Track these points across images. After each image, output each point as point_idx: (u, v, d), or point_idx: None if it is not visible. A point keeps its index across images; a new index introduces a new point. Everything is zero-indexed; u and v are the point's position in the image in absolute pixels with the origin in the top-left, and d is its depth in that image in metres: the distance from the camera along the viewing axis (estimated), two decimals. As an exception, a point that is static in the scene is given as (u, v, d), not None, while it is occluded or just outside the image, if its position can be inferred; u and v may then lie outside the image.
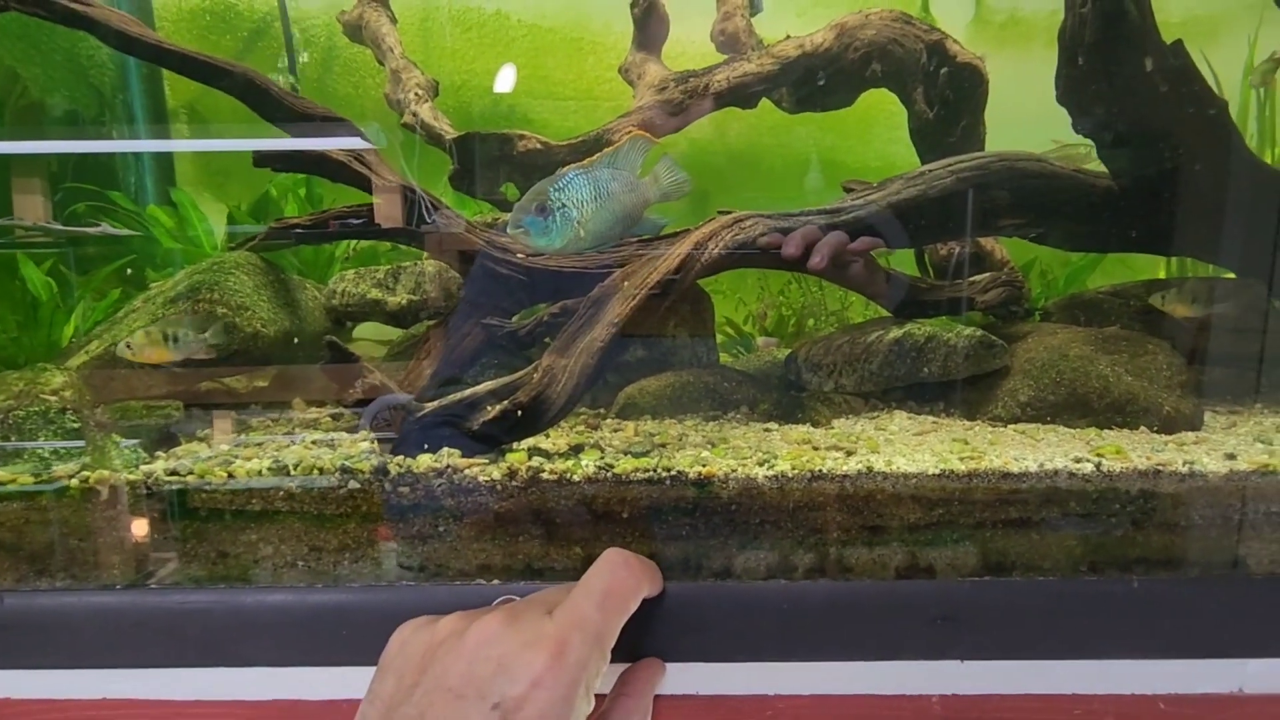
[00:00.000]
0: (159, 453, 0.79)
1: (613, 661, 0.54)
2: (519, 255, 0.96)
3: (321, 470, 0.71)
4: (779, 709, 0.65)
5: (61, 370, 0.78)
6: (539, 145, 1.09)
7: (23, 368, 0.92)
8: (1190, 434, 0.86)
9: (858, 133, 1.50)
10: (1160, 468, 0.71)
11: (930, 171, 0.97)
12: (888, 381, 0.99)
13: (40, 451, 0.73)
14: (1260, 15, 1.08)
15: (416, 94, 1.19)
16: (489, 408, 0.74)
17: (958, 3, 1.47)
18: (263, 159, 0.93)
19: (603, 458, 0.74)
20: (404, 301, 1.04)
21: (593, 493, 0.70)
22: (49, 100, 1.31)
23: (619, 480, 0.70)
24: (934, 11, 1.43)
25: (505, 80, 1.51)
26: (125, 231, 1.30)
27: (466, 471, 0.70)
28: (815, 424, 0.91)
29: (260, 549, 0.72)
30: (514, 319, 0.99)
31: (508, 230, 0.77)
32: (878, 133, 1.48)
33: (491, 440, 0.76)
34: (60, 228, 1.22)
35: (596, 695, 0.53)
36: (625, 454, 0.76)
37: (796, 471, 0.70)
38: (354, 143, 0.98)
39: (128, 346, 0.81)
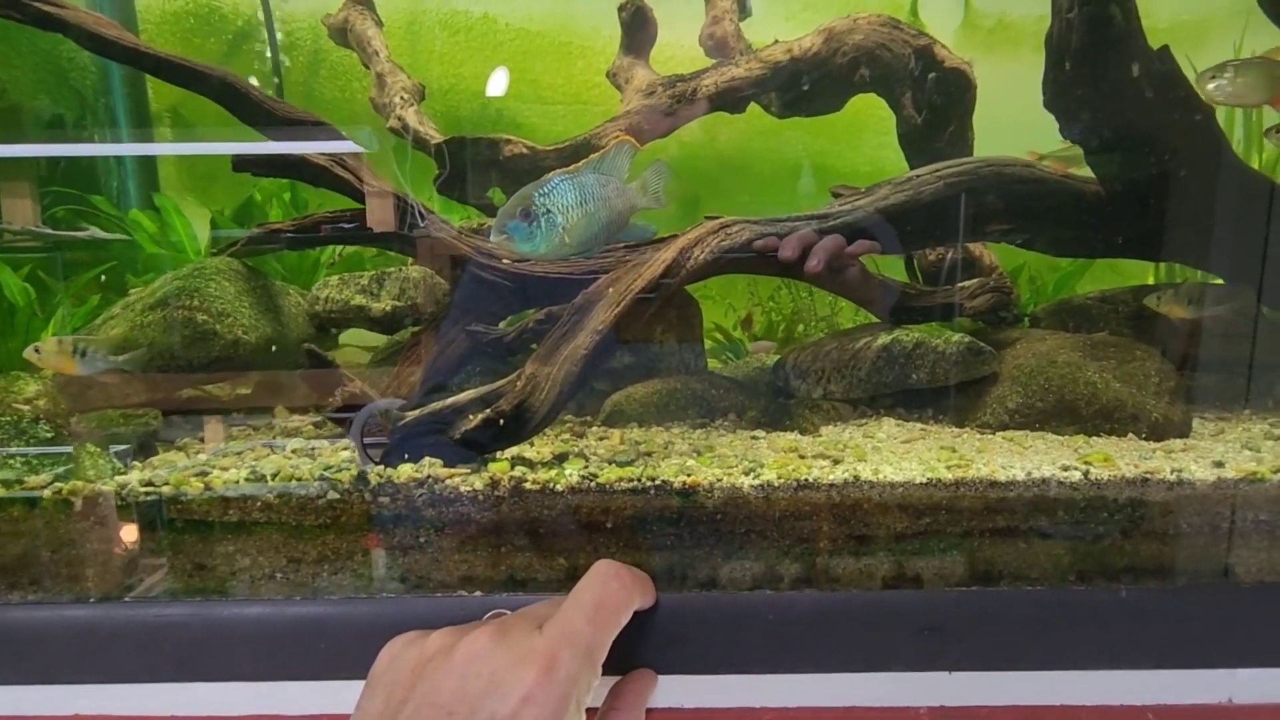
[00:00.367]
0: (135, 462, 0.77)
1: (603, 675, 0.54)
2: (505, 261, 0.95)
3: (300, 480, 0.70)
4: (765, 722, 0.64)
5: (36, 378, 0.77)
6: (525, 150, 1.08)
7: (-3, 376, 0.90)
8: (1178, 441, 0.86)
9: (847, 137, 1.50)
10: (1148, 476, 0.70)
11: (918, 177, 0.96)
12: (876, 388, 0.99)
13: (11, 462, 0.72)
14: (1245, 20, 1.08)
15: (402, 98, 1.18)
16: (471, 416, 0.73)
17: (946, 7, 1.47)
18: (241, 164, 0.92)
19: (586, 467, 0.73)
20: (388, 307, 1.03)
21: (576, 502, 0.69)
22: (30, 104, 1.29)
23: (603, 490, 0.69)
24: (923, 16, 1.43)
25: (497, 84, 1.50)
26: (115, 236, 1.29)
27: (448, 481, 0.69)
28: (803, 431, 0.90)
29: (238, 560, 0.70)
30: (502, 325, 0.98)
31: (491, 236, 0.76)
32: (867, 137, 1.48)
33: (475, 449, 0.75)
34: (49, 232, 1.21)
35: (588, 710, 0.52)
36: (610, 463, 0.75)
37: (782, 481, 0.69)
38: (345, 146, 0.97)
39: (35, 350, 0.79)
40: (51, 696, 0.65)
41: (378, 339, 1.17)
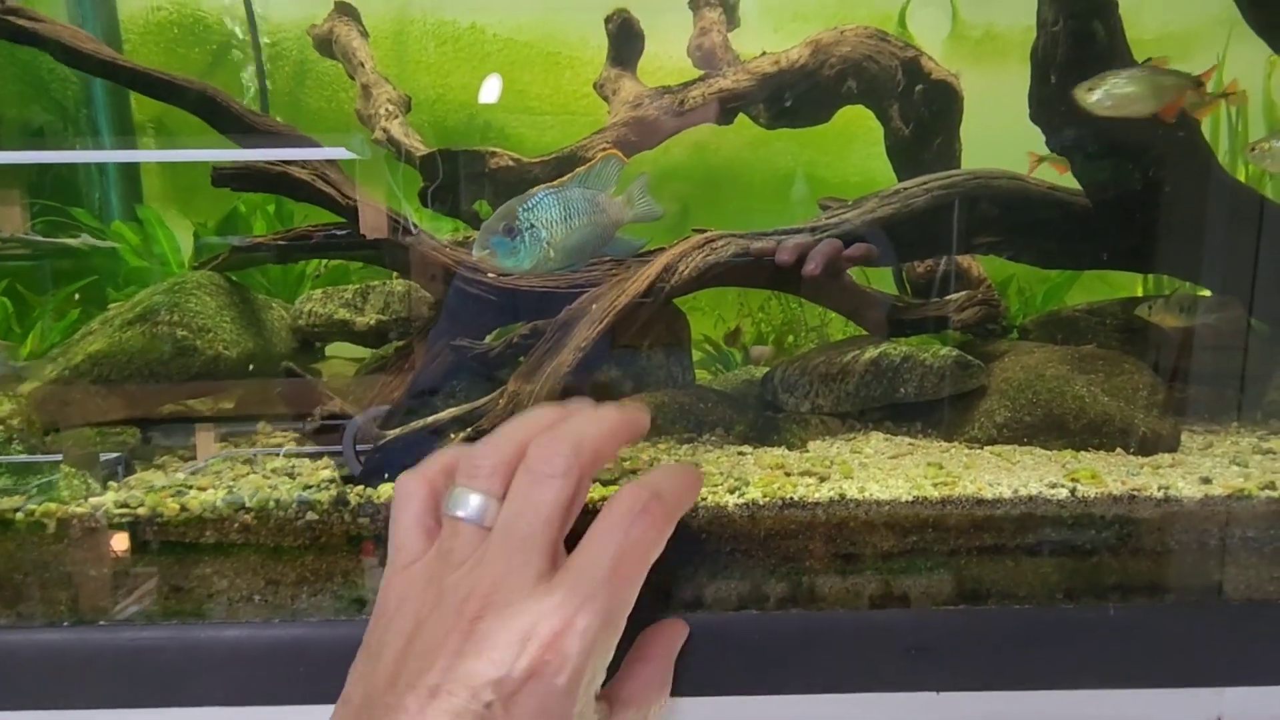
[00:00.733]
0: (111, 482, 0.76)
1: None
2: (490, 275, 0.94)
3: (279, 501, 0.69)
4: (749, 746, 0.64)
5: (10, 396, 0.76)
6: (511, 162, 1.08)
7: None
8: (1167, 456, 0.85)
9: (837, 148, 1.50)
10: (1135, 493, 0.70)
11: (905, 190, 0.96)
12: (864, 402, 0.98)
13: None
14: (1229, 31, 1.08)
15: (387, 109, 1.17)
16: (453, 435, 0.72)
17: (934, 18, 1.48)
18: (220, 179, 0.91)
19: (569, 486, 0.72)
20: (372, 321, 1.02)
21: (558, 523, 0.68)
22: (11, 114, 1.28)
23: (586, 510, 0.68)
24: (911, 27, 1.43)
25: (490, 92, 1.49)
26: (108, 243, 1.28)
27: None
28: (790, 447, 0.90)
29: (214, 583, 0.69)
30: (488, 338, 0.97)
31: (474, 252, 0.75)
32: (857, 148, 1.48)
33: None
34: (40, 239, 1.20)
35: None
36: (594, 481, 0.74)
37: (768, 499, 0.68)
38: (338, 153, 0.96)
39: None
40: (22, 724, 0.64)
41: (365, 351, 1.16)
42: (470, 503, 0.45)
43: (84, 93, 1.36)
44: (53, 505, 0.68)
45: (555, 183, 0.78)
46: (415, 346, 0.99)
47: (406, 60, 1.50)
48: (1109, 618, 0.65)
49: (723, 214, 1.54)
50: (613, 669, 0.49)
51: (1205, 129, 1.01)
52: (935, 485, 0.72)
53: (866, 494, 0.69)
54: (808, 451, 0.88)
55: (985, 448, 0.89)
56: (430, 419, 0.74)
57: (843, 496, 0.69)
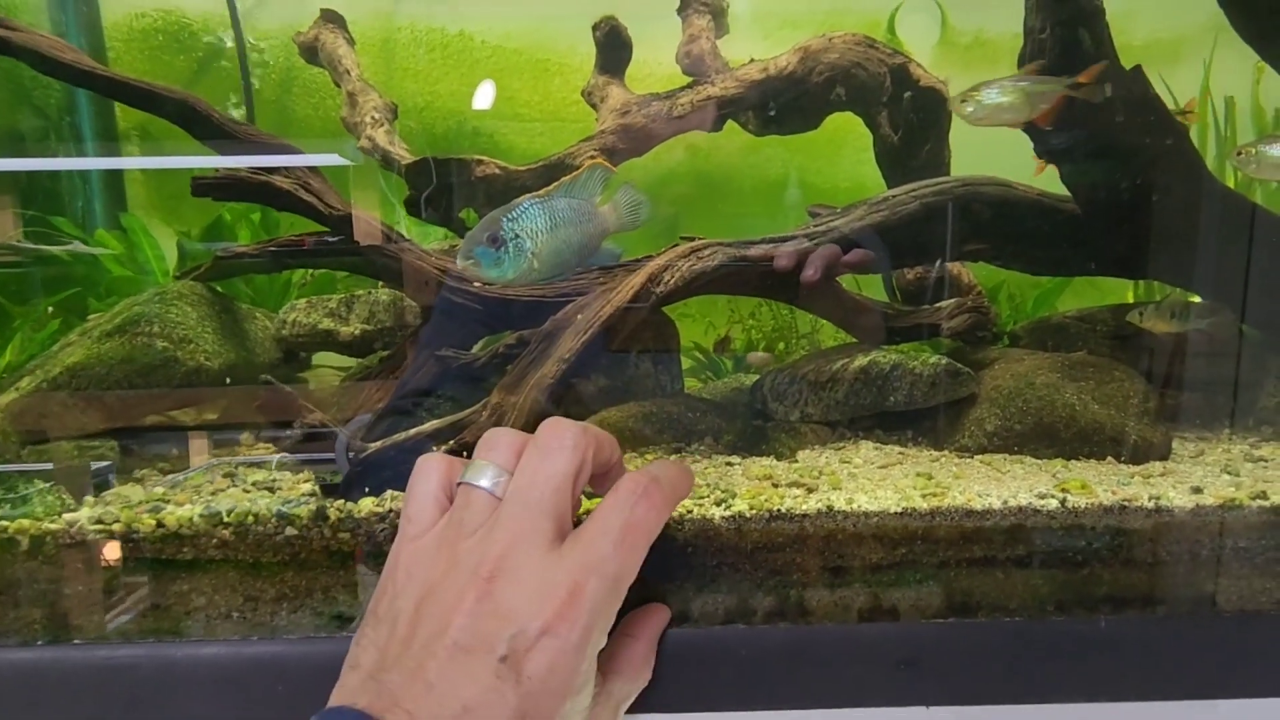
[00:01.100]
0: (88, 497, 0.75)
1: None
2: (476, 284, 0.93)
3: (257, 516, 0.67)
4: (736, 764, 0.63)
5: (-16, 410, 0.74)
6: (498, 170, 1.07)
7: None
8: (1158, 464, 0.85)
9: (827, 154, 1.49)
10: (1126, 503, 0.69)
11: (894, 197, 0.96)
12: (854, 410, 0.97)
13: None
14: (1215, 37, 1.08)
15: (373, 117, 1.16)
16: (435, 448, 0.71)
17: (923, 25, 1.48)
18: (201, 189, 0.89)
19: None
20: (357, 331, 1.01)
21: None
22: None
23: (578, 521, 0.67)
24: (900, 34, 1.43)
25: (483, 98, 1.49)
26: (97, 249, 1.27)
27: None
28: (779, 456, 0.89)
29: (192, 600, 0.68)
30: (476, 348, 0.96)
31: (458, 262, 0.75)
32: (846, 155, 1.48)
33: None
34: (29, 246, 1.18)
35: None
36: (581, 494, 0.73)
37: (755, 512, 0.67)
38: (330, 160, 0.95)
39: None
40: (-6, 747, 0.62)
41: (353, 360, 1.15)
42: (486, 473, 0.48)
43: (67, 100, 1.35)
44: (26, 522, 0.67)
45: (540, 192, 0.77)
46: (402, 355, 0.98)
47: (394, 67, 1.49)
48: (1100, 630, 0.64)
49: (713, 221, 1.54)
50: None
51: (1193, 135, 1.01)
52: (924, 496, 0.71)
53: (854, 506, 0.68)
54: (796, 461, 0.87)
55: (975, 457, 0.89)
56: (412, 431, 0.73)
57: (830, 509, 0.68)
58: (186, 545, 0.67)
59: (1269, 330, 1.02)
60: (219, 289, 1.06)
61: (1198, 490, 0.73)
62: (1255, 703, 0.65)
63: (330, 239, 0.97)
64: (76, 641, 0.66)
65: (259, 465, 0.86)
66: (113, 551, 0.68)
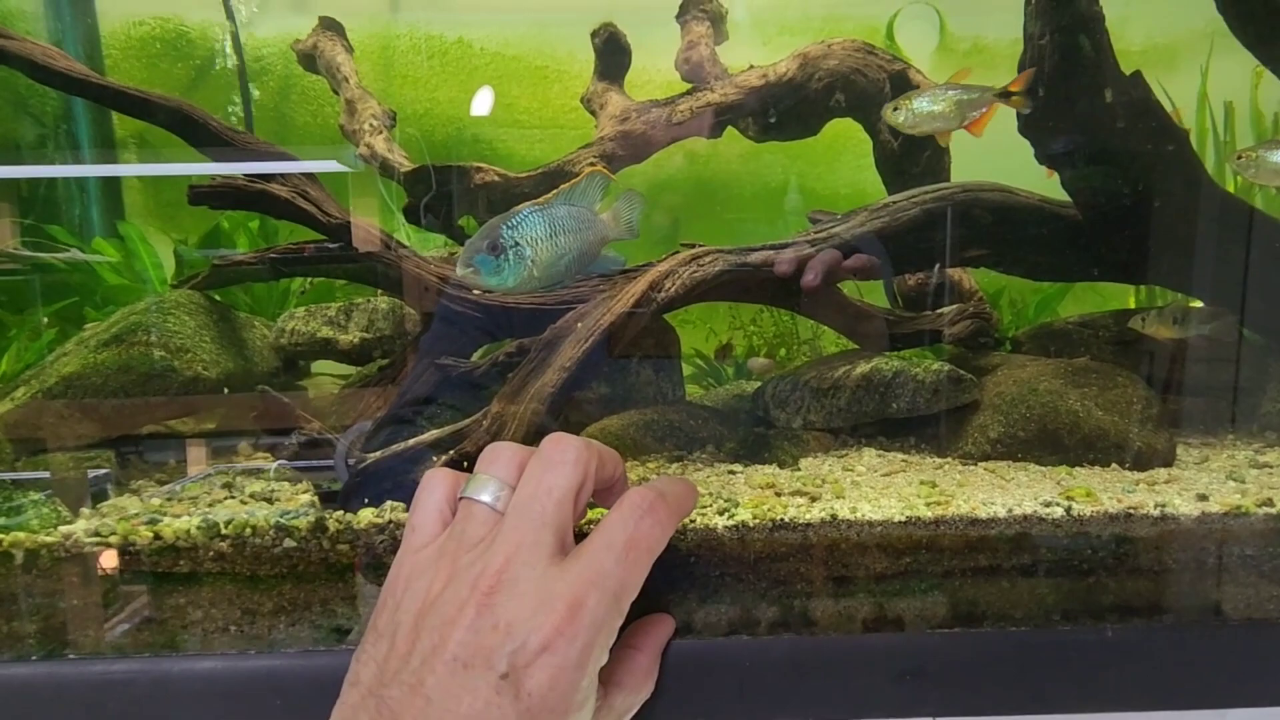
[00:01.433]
0: (84, 509, 0.74)
1: None
2: (475, 291, 0.93)
3: (255, 529, 0.67)
4: (740, 776, 0.62)
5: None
6: (497, 177, 1.06)
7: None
8: (1163, 471, 0.84)
9: (827, 160, 1.49)
10: (1131, 511, 0.69)
11: (895, 203, 0.95)
12: (856, 417, 0.97)
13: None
14: (1211, 42, 1.08)
15: (371, 124, 1.16)
16: (434, 459, 0.70)
17: (922, 31, 1.48)
18: (197, 198, 0.89)
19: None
20: (356, 340, 1.01)
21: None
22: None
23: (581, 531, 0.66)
24: (899, 40, 1.43)
25: (482, 104, 1.49)
26: (95, 257, 1.26)
27: (410, 527, 0.66)
28: (781, 464, 0.88)
29: (189, 613, 0.67)
30: (475, 355, 0.95)
31: (457, 269, 0.74)
32: (846, 160, 1.48)
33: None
34: (27, 254, 1.18)
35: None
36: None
37: (757, 521, 0.67)
38: (329, 166, 0.95)
39: None
40: (-14, 763, 0.61)
41: (353, 369, 1.14)
42: (488, 487, 0.48)
43: (64, 107, 1.34)
44: (21, 535, 0.66)
45: (540, 200, 0.77)
46: (402, 363, 0.98)
47: (393, 74, 1.49)
48: (1107, 639, 0.64)
49: (714, 227, 1.53)
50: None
51: (1192, 140, 1.01)
52: (928, 505, 0.70)
53: (858, 515, 0.68)
54: (799, 470, 0.86)
55: (979, 464, 0.88)
56: (411, 441, 0.72)
57: (834, 517, 0.67)
58: (184, 558, 0.67)
59: (1271, 335, 1.02)
60: (217, 297, 1.06)
61: (1203, 497, 0.72)
62: (1264, 712, 0.64)
63: (330, 245, 0.96)
64: (71, 656, 0.65)
65: (256, 474, 0.86)
66: (109, 564, 0.68)
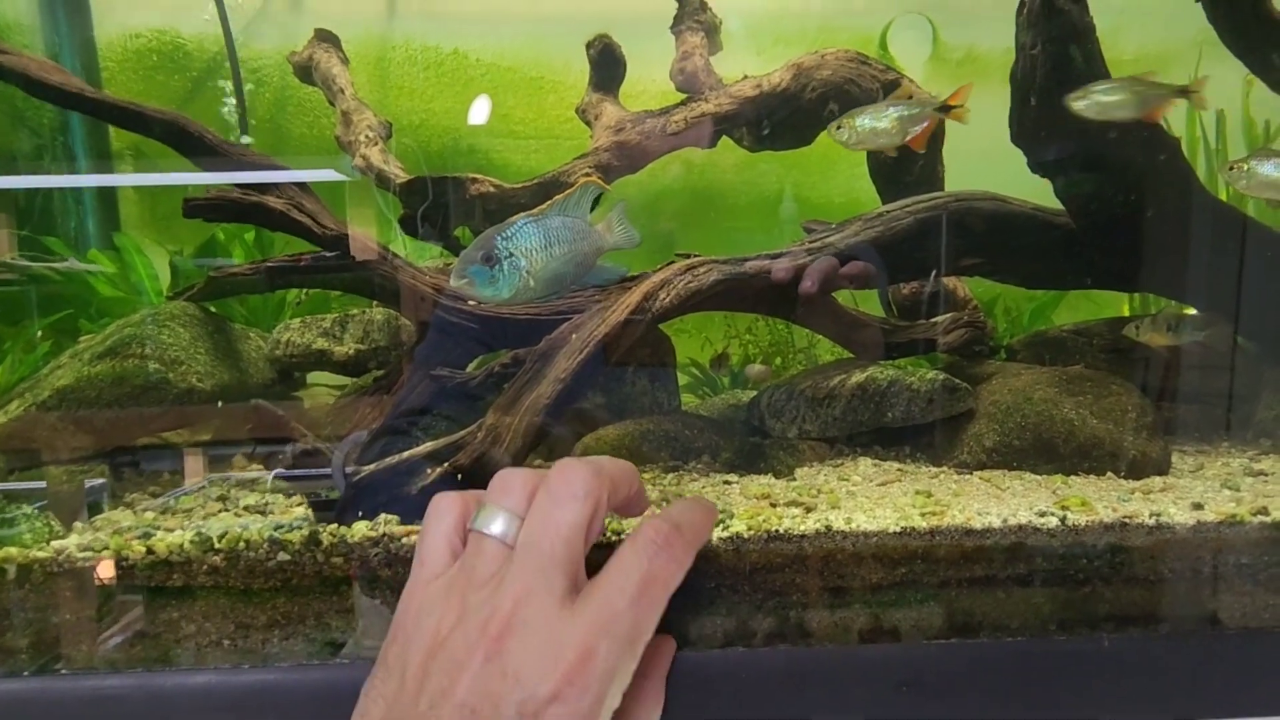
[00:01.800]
0: (77, 523, 0.74)
1: None
2: (470, 302, 0.93)
3: (249, 542, 0.66)
4: (735, 790, 0.61)
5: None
6: (492, 188, 1.07)
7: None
8: (1158, 479, 0.84)
9: (821, 170, 1.50)
10: (1127, 520, 0.69)
11: (889, 213, 0.96)
12: (852, 427, 0.97)
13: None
14: (1199, 49, 1.09)
15: (367, 136, 1.16)
16: (429, 471, 0.70)
17: (915, 41, 1.49)
18: (193, 210, 0.89)
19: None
20: (351, 351, 1.01)
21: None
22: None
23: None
24: (892, 50, 1.43)
25: (479, 112, 1.49)
26: (92, 266, 1.26)
27: (405, 540, 0.66)
28: (777, 474, 0.88)
29: (182, 627, 0.67)
30: (470, 366, 0.95)
31: (452, 281, 0.74)
32: (841, 170, 1.48)
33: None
34: (24, 263, 1.18)
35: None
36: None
37: (753, 532, 0.67)
38: (326, 176, 0.94)
39: None
40: (-23, 781, 0.61)
41: (346, 379, 1.14)
42: (497, 520, 0.46)
43: (61, 119, 1.34)
44: (14, 550, 0.66)
45: (534, 210, 0.77)
46: (397, 374, 0.97)
47: (389, 86, 1.49)
48: (1103, 649, 0.64)
49: (709, 237, 1.54)
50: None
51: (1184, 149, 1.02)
52: (924, 515, 0.70)
53: (854, 525, 0.68)
54: (794, 479, 0.86)
55: (974, 473, 0.88)
56: (406, 454, 0.72)
57: (829, 528, 0.67)
58: (177, 572, 0.66)
59: (1264, 341, 1.02)
60: (212, 309, 1.06)
61: (1199, 506, 0.72)
62: (1261, 721, 0.64)
63: (326, 256, 0.96)
64: (64, 671, 0.65)
65: (250, 485, 0.85)
66: (102, 578, 0.67)
